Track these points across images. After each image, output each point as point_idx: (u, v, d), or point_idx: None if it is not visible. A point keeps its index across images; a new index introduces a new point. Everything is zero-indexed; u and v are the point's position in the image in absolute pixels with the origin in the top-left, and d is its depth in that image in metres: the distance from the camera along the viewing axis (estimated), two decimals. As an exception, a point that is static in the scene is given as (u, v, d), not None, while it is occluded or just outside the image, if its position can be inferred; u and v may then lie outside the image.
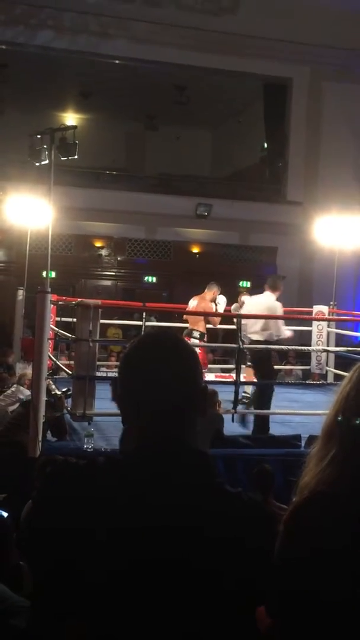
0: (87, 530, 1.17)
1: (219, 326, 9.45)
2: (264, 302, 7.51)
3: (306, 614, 1.24)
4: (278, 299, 7.62)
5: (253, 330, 7.35)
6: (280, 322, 7.46)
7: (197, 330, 8.52)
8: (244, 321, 7.39)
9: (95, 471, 1.22)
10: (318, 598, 1.23)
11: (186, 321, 9.10)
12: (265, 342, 7.32)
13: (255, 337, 7.36)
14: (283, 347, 10.92)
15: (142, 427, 1.27)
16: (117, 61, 16.79)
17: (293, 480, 1.38)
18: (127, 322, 12.75)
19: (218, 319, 8.76)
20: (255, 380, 8.98)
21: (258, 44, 16.00)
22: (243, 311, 7.77)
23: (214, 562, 1.17)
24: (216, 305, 8.81)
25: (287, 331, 7.54)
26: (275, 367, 11.89)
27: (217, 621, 1.17)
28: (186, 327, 8.91)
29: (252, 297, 7.88)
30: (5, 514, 2.96)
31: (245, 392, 8.43)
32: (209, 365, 11.17)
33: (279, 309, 7.50)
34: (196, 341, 8.47)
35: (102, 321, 9.08)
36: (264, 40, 15.93)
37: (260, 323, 7.29)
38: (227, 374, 10.12)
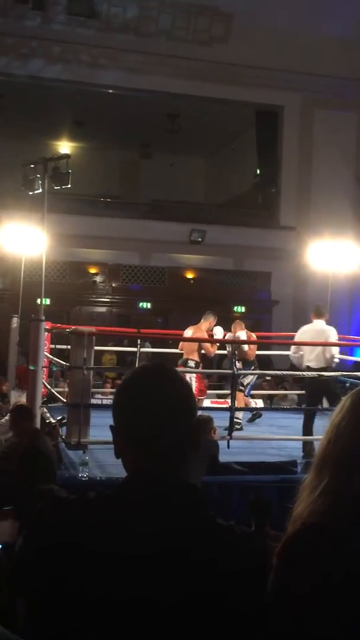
0: (77, 565, 1.16)
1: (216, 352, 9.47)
2: (326, 329, 7.60)
3: None
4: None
5: (311, 358, 7.42)
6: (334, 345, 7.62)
7: (193, 360, 8.48)
8: (300, 351, 7.47)
9: (85, 506, 1.22)
10: (311, 632, 1.22)
11: (181, 349, 9.06)
12: (324, 369, 7.40)
13: (313, 364, 7.37)
14: (278, 372, 10.96)
15: (134, 459, 1.27)
16: (110, 90, 17.01)
17: (290, 507, 1.37)
18: (120, 349, 12.74)
19: (214, 349, 8.72)
20: (246, 404, 8.99)
21: (249, 72, 16.24)
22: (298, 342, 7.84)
23: (206, 596, 1.16)
24: (212, 336, 8.78)
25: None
26: (272, 392, 11.91)
27: None
28: (181, 354, 8.89)
29: (303, 328, 7.90)
30: (-2, 546, 2.93)
31: (237, 418, 8.40)
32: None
33: (335, 333, 7.71)
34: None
35: (96, 348, 9.09)
36: (255, 69, 16.17)
37: (317, 350, 7.37)
38: (222, 400, 10.10)
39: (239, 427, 8.39)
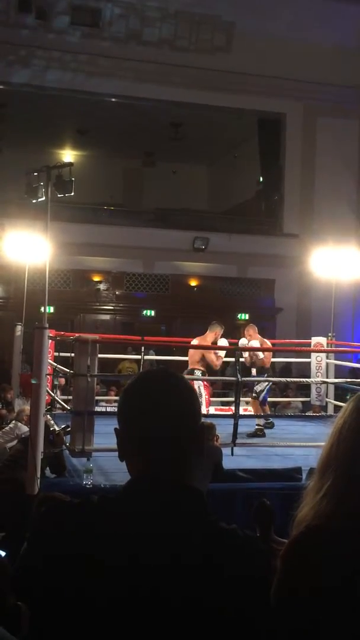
0: (81, 568, 1.16)
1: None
2: None
3: None
4: None
5: None
6: None
7: (198, 369, 8.41)
8: None
9: (88, 510, 1.22)
10: (317, 634, 1.22)
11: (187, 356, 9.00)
12: None
13: None
14: (282, 379, 10.94)
15: (137, 462, 1.27)
16: (113, 99, 17.09)
17: (294, 513, 1.38)
18: (123, 356, 12.75)
19: (219, 362, 8.59)
20: (264, 411, 8.95)
21: (251, 80, 16.29)
22: None
23: (210, 600, 1.16)
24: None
25: None
26: (276, 399, 11.90)
27: None
28: (185, 360, 8.87)
29: None
30: (3, 553, 2.93)
31: (258, 425, 8.41)
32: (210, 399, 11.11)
33: None
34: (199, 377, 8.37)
35: (110, 356, 9.03)
36: (258, 77, 16.22)
37: None
38: (226, 407, 10.08)
39: (260, 433, 8.38)
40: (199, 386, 8.07)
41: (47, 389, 7.46)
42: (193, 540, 1.19)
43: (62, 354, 9.10)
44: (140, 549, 1.16)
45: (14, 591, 2.56)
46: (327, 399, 10.06)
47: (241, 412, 7.69)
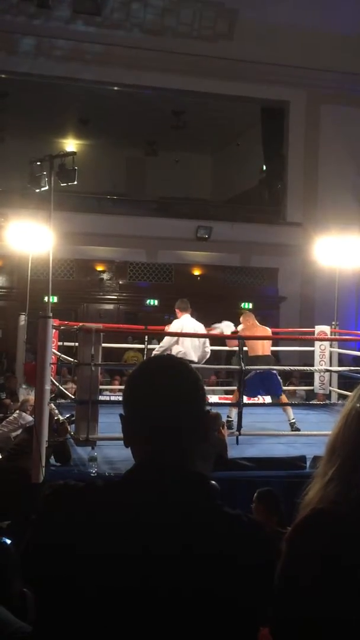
0: (85, 550, 1.17)
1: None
2: None
3: (311, 635, 1.23)
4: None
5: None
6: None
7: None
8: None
9: (93, 493, 1.23)
10: (322, 617, 1.22)
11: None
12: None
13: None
14: (286, 367, 10.91)
15: (142, 447, 1.28)
16: (115, 88, 17.03)
17: (298, 502, 1.38)
18: (127, 346, 12.76)
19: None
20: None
21: (254, 68, 16.22)
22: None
23: (215, 583, 1.16)
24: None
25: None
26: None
27: None
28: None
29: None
30: (8, 541, 2.94)
31: (229, 417, 8.27)
32: (212, 388, 11.14)
33: None
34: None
35: (113, 345, 8.96)
36: (260, 65, 16.14)
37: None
38: (230, 396, 10.08)
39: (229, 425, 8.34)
40: None
41: (52, 378, 7.47)
42: (197, 525, 1.19)
43: (66, 344, 9.12)
44: (144, 533, 1.17)
45: (20, 577, 2.58)
46: (331, 388, 10.06)
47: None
